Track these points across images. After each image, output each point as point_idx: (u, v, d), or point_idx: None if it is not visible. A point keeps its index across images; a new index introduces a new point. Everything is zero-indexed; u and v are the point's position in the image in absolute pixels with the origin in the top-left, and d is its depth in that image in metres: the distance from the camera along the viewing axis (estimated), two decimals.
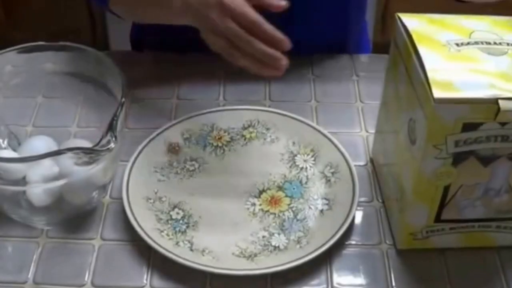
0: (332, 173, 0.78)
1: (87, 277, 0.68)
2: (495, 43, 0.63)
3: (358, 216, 0.74)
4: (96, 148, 0.63)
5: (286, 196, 0.77)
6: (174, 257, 0.68)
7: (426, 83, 0.59)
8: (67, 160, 0.65)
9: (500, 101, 0.57)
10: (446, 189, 0.64)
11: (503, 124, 0.59)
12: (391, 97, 0.72)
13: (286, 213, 0.75)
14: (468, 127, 0.59)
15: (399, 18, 0.67)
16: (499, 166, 0.62)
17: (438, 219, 0.67)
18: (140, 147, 0.79)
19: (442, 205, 0.66)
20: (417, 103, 0.62)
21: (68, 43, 0.76)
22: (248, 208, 0.75)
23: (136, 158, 0.78)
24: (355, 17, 1.04)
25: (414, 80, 0.63)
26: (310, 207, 0.75)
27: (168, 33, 0.88)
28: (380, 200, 0.76)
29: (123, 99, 0.68)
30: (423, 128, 0.61)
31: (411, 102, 0.64)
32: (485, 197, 0.66)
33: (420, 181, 0.64)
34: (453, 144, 0.60)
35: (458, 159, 0.62)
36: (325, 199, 0.76)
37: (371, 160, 0.81)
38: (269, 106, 0.88)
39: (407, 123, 0.65)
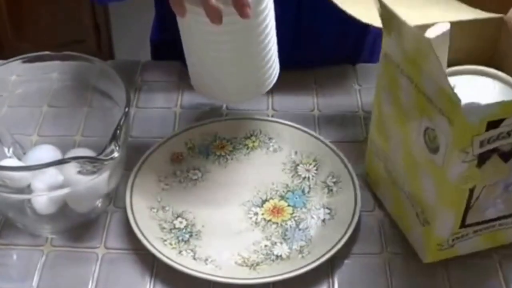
0: (334, 182, 0.78)
1: (91, 286, 0.69)
2: None
3: (360, 226, 0.74)
4: (100, 157, 0.64)
5: (289, 205, 0.77)
6: (177, 266, 0.68)
7: (450, 89, 0.58)
8: (71, 169, 0.65)
9: None
10: (471, 192, 0.64)
11: None
12: (388, 109, 0.72)
13: (289, 223, 0.75)
14: (492, 125, 0.59)
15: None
16: None
17: (463, 224, 0.67)
18: (143, 156, 0.79)
19: (467, 209, 0.66)
20: (435, 111, 0.62)
21: (72, 53, 0.76)
22: (250, 217, 0.75)
23: (140, 167, 0.78)
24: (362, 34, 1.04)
25: (427, 89, 0.62)
26: (312, 217, 0.75)
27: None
28: (382, 210, 0.76)
29: (127, 109, 0.69)
30: (447, 134, 0.60)
31: (424, 112, 0.64)
32: (505, 193, 0.66)
33: (446, 188, 0.63)
34: (478, 145, 0.60)
35: (482, 159, 0.62)
36: (327, 208, 0.76)
37: (367, 175, 0.79)
38: (272, 116, 0.88)
39: (422, 133, 0.65)
